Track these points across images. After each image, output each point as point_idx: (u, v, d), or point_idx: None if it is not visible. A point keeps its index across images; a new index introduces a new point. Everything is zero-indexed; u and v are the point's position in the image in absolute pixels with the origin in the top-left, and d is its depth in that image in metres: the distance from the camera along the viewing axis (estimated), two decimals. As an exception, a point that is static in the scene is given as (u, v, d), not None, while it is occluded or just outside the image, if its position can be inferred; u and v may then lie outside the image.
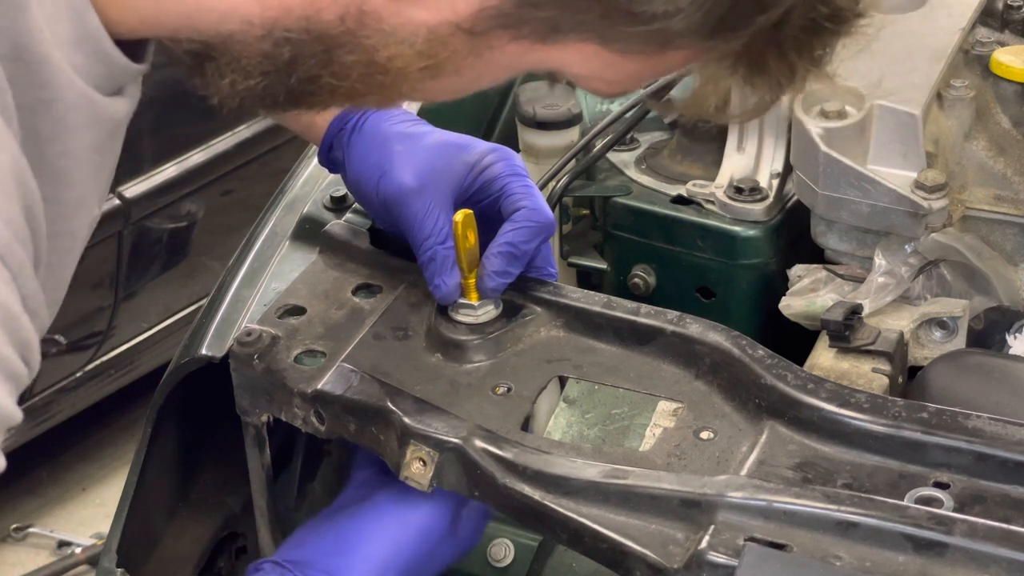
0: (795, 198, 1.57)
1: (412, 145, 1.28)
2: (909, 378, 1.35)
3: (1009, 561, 0.96)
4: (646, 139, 1.75)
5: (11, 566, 3.19)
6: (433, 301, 1.25)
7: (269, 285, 1.37)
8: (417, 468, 1.12)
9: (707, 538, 1.01)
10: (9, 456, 0.92)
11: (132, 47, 0.92)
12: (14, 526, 3.26)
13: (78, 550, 3.19)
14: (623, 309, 1.23)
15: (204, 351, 1.32)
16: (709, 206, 1.59)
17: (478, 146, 1.29)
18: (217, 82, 0.91)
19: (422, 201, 1.25)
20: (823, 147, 1.45)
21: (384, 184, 1.27)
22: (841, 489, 1.05)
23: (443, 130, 1.31)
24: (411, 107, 1.59)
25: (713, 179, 1.61)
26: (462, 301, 1.23)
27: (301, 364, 1.22)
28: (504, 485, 1.09)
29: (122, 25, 0.90)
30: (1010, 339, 1.43)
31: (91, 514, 3.31)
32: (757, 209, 1.57)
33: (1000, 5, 1.59)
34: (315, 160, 1.41)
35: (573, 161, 1.66)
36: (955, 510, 1.02)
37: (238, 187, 3.26)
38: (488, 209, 1.27)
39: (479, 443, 1.11)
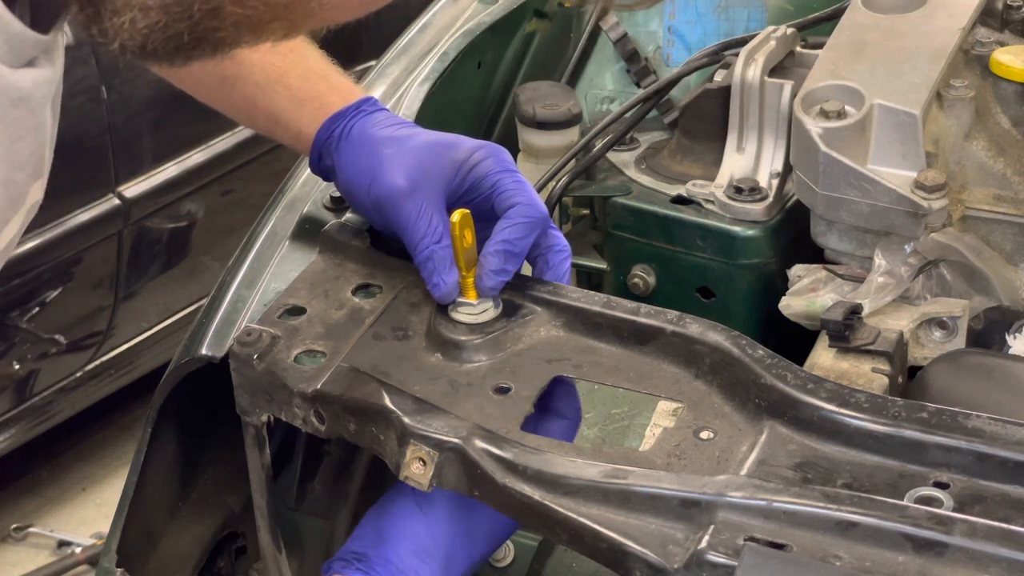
0: (795, 198, 1.57)
1: (400, 147, 1.28)
2: (909, 378, 1.35)
3: (1009, 561, 0.96)
4: (646, 139, 1.76)
5: (11, 566, 3.19)
6: (433, 301, 1.25)
7: (269, 285, 1.37)
8: (417, 468, 1.12)
9: (707, 538, 1.01)
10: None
11: (40, 19, 0.90)
12: (14, 526, 3.26)
13: (78, 550, 3.20)
14: (623, 309, 1.23)
15: (204, 351, 1.32)
16: (709, 206, 1.60)
17: (466, 143, 1.29)
18: (115, 23, 0.88)
19: (414, 202, 1.25)
20: (823, 147, 1.45)
21: (375, 188, 1.27)
22: (841, 489, 1.04)
23: (430, 131, 1.32)
24: (410, 109, 1.59)
25: (713, 179, 1.61)
26: (461, 300, 1.24)
27: (301, 364, 1.21)
28: (504, 485, 1.09)
29: None
30: (1010, 339, 1.43)
31: (91, 514, 3.31)
32: (757, 209, 1.57)
33: (1000, 5, 1.59)
34: (311, 165, 1.41)
35: (573, 161, 1.66)
36: (955, 510, 1.02)
37: (238, 187, 3.26)
38: (481, 206, 1.27)
39: (479, 443, 1.11)
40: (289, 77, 1.35)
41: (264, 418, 1.24)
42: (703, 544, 1.00)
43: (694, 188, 1.61)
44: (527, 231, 1.24)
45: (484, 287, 1.23)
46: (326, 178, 1.38)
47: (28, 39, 0.90)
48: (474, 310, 1.23)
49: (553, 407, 1.21)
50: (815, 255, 1.53)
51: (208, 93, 1.40)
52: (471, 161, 1.27)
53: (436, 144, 1.29)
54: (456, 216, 1.21)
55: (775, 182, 1.59)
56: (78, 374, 3.11)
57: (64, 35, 0.96)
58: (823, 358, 1.33)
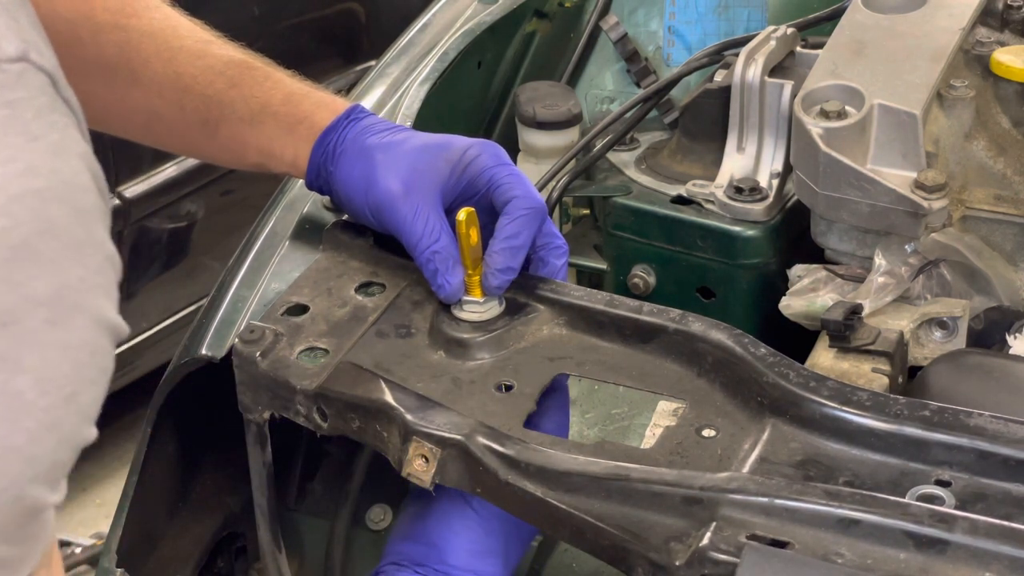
0: (795, 198, 1.57)
1: (393, 152, 1.28)
2: (909, 378, 1.35)
3: (1010, 558, 0.96)
4: (646, 139, 1.76)
5: (10, 566, 3.18)
6: (435, 298, 1.25)
7: (269, 285, 1.37)
8: (419, 465, 1.12)
9: (709, 535, 1.01)
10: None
11: None
12: (14, 526, 3.25)
13: (78, 550, 3.19)
14: (626, 307, 1.23)
15: (204, 351, 1.32)
16: (709, 206, 1.60)
17: (458, 142, 1.29)
18: None
19: (409, 204, 1.25)
20: (823, 147, 1.45)
21: (371, 195, 1.27)
22: (843, 487, 1.05)
23: (424, 133, 1.31)
24: (410, 109, 1.59)
25: (713, 179, 1.61)
26: (466, 298, 1.24)
27: (304, 361, 1.22)
28: (506, 482, 1.09)
29: None
30: (1010, 339, 1.43)
31: (91, 514, 3.30)
32: (757, 209, 1.57)
33: (1000, 5, 1.59)
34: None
35: (573, 161, 1.66)
36: (956, 508, 1.02)
37: (238, 187, 3.26)
38: (481, 203, 1.27)
39: (481, 440, 1.11)
40: (273, 105, 1.33)
41: (266, 416, 1.24)
42: (705, 541, 1.00)
43: (694, 188, 1.61)
44: (527, 224, 1.24)
45: (490, 286, 1.23)
46: (322, 193, 1.37)
47: None
48: (478, 308, 1.23)
49: (547, 403, 1.21)
50: (815, 255, 1.53)
51: (187, 142, 1.39)
52: (465, 159, 1.27)
53: (429, 146, 1.29)
54: (462, 214, 1.21)
55: (775, 182, 1.59)
56: (77, 374, 3.11)
57: None
58: (823, 358, 1.33)
